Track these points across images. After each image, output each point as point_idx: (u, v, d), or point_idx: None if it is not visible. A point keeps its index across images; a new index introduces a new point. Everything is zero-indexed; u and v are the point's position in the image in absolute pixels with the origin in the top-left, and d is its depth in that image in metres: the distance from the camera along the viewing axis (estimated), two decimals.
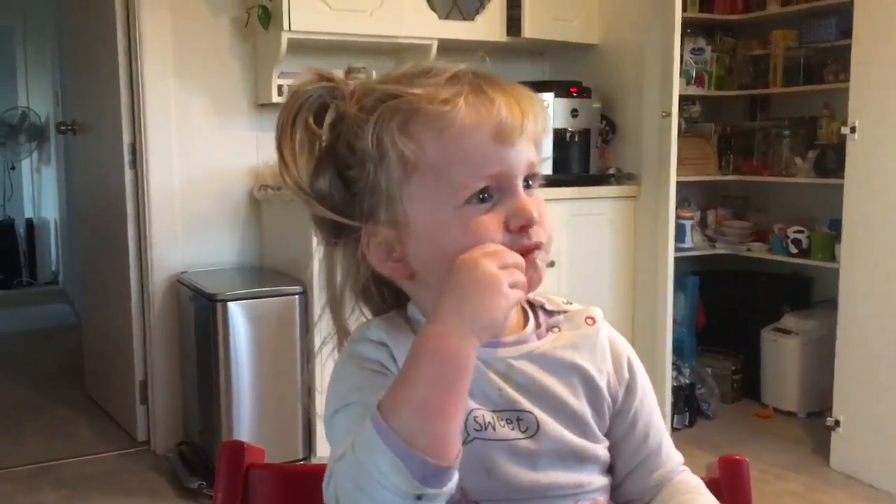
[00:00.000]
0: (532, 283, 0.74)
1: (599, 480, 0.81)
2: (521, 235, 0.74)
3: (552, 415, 0.79)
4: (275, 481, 0.92)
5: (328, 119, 0.78)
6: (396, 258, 0.77)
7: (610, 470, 0.84)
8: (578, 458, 0.79)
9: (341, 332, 0.84)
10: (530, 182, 0.77)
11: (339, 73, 0.81)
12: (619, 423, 0.84)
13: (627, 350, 0.86)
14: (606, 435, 0.83)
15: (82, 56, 3.65)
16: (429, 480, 0.62)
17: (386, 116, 0.74)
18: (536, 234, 0.75)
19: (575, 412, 0.80)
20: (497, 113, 0.74)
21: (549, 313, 0.84)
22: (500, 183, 0.74)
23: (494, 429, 0.77)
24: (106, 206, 3.38)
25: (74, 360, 4.07)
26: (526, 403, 0.78)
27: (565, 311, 0.85)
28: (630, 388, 0.84)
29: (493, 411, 0.78)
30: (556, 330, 0.83)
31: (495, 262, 0.69)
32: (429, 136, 0.74)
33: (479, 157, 0.74)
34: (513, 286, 0.68)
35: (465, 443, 0.75)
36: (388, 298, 0.84)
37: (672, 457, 0.86)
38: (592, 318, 0.84)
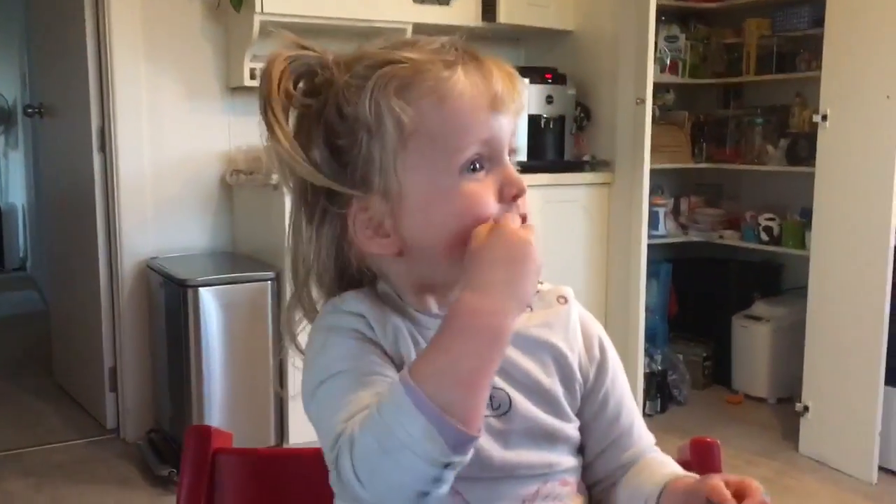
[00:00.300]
0: None
1: (570, 461, 0.81)
2: (511, 205, 0.75)
3: (524, 393, 0.79)
4: (242, 466, 0.90)
5: (305, 86, 0.76)
6: (384, 233, 0.75)
7: (580, 450, 0.83)
8: (549, 438, 0.79)
9: (305, 309, 0.82)
10: (511, 154, 0.77)
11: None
12: (590, 402, 0.83)
13: (598, 330, 0.86)
14: (578, 415, 0.82)
15: (50, 38, 3.58)
16: (458, 449, 0.62)
17: (382, 81, 0.72)
18: (523, 205, 0.76)
19: (547, 391, 0.80)
20: (495, 82, 0.74)
21: None
22: (491, 150, 0.74)
23: None
24: (74, 191, 3.32)
25: (42, 348, 4.01)
26: (499, 381, 0.78)
27: (537, 291, 0.84)
28: (601, 368, 0.84)
29: None
30: (528, 309, 0.81)
31: (533, 237, 0.70)
32: (427, 102, 0.72)
33: (475, 124, 0.73)
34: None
35: None
36: (361, 279, 0.81)
37: (643, 436, 0.86)
38: (564, 298, 0.84)
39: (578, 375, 0.82)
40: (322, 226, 0.78)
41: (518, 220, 0.73)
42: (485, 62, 0.76)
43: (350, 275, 0.80)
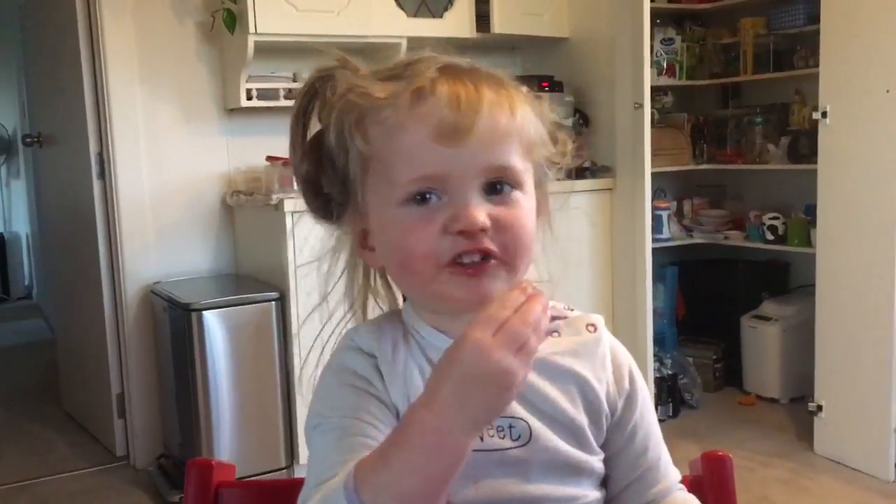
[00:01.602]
0: (481, 293, 0.69)
1: (593, 494, 0.78)
2: (460, 238, 0.69)
3: (547, 423, 0.75)
4: (244, 499, 0.89)
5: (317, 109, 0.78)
6: (370, 247, 0.78)
7: (604, 483, 0.80)
8: (572, 470, 0.76)
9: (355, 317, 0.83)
10: (499, 187, 0.71)
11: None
12: (617, 434, 0.80)
13: (629, 360, 0.82)
14: (603, 447, 0.79)
15: (46, 66, 3.59)
16: None
17: (345, 110, 0.74)
18: (485, 240, 0.70)
19: (571, 421, 0.77)
20: (437, 110, 0.70)
21: (550, 318, 0.80)
22: (444, 185, 0.70)
23: (483, 439, 0.74)
24: (76, 218, 3.32)
25: (50, 376, 4.01)
26: (520, 410, 0.75)
27: (565, 317, 0.81)
28: (630, 399, 0.81)
29: None
30: (555, 335, 0.78)
31: (512, 346, 0.59)
32: (376, 130, 0.73)
33: (415, 157, 0.70)
34: (525, 354, 0.60)
35: None
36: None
37: (670, 473, 0.82)
38: (594, 326, 0.81)
39: (605, 407, 0.79)
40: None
41: (522, 314, 0.62)
42: (437, 88, 0.70)
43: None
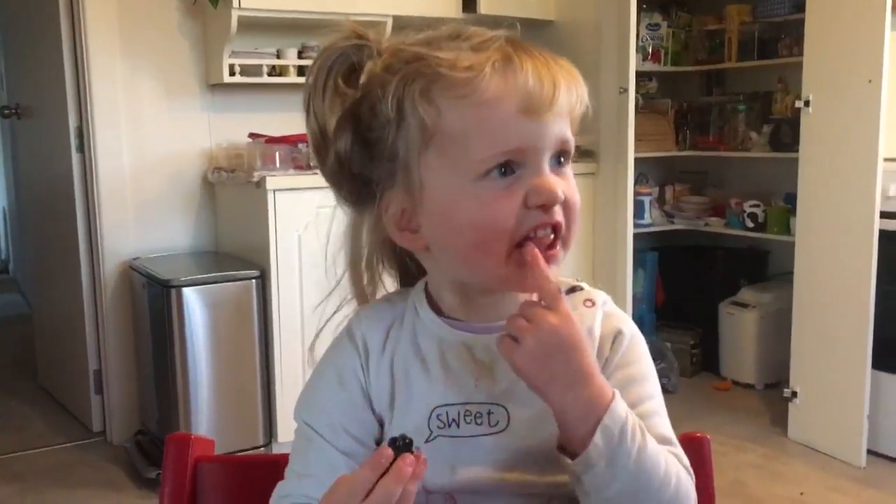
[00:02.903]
0: (549, 261, 0.71)
1: None
2: (536, 212, 0.70)
3: (526, 409, 0.74)
4: (223, 474, 0.89)
5: (361, 77, 0.74)
6: (413, 228, 0.75)
7: None
8: (553, 457, 0.72)
9: (358, 293, 0.82)
10: (562, 159, 0.73)
11: (372, 33, 0.77)
12: None
13: (619, 327, 0.78)
14: None
15: (25, 37, 3.53)
16: None
17: (408, 79, 0.70)
18: (558, 214, 0.71)
19: None
20: (524, 83, 0.69)
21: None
22: (523, 158, 0.70)
23: (459, 425, 0.74)
24: (54, 192, 3.28)
25: (26, 351, 3.97)
26: (501, 396, 0.75)
27: (570, 294, 0.79)
28: (608, 363, 0.76)
29: (464, 403, 0.75)
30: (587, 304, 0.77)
31: None
32: (449, 103, 0.69)
33: (500, 130, 0.69)
34: None
35: (427, 440, 0.74)
36: (411, 267, 0.83)
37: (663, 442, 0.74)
38: (591, 301, 0.79)
39: None
40: (361, 212, 0.79)
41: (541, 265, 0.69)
42: (523, 62, 0.70)
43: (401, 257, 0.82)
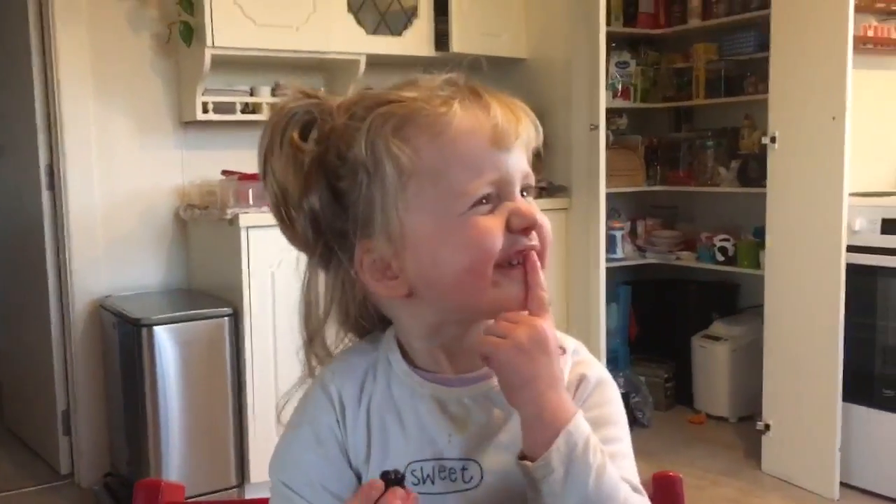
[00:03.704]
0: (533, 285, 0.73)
1: None
2: (520, 237, 0.72)
3: (501, 462, 0.74)
4: None
5: (315, 134, 0.75)
6: (392, 275, 0.74)
7: None
8: None
9: (318, 358, 0.81)
10: (524, 194, 0.75)
11: (322, 91, 0.78)
12: None
13: (587, 373, 0.78)
14: None
15: None
16: None
17: (379, 122, 0.71)
18: (535, 238, 0.73)
19: None
20: (493, 116, 0.72)
21: None
22: (500, 189, 0.72)
23: (433, 482, 0.74)
24: (23, 229, 3.25)
25: None
26: (474, 450, 0.75)
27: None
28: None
29: (438, 459, 0.75)
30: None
31: None
32: (425, 140, 0.71)
33: (478, 162, 0.71)
34: None
35: None
36: (378, 323, 0.81)
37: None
38: (563, 348, 0.77)
39: None
40: (332, 271, 0.78)
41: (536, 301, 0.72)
42: (483, 96, 0.73)
43: (369, 315, 0.80)
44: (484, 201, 0.72)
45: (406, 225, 0.72)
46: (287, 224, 0.76)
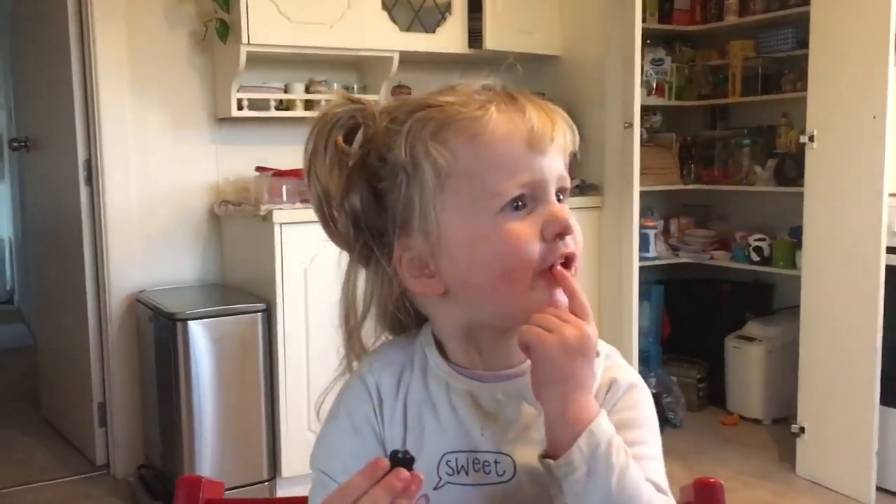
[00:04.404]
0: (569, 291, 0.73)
1: None
2: (556, 243, 0.73)
3: (535, 454, 0.74)
4: None
5: (359, 138, 0.78)
6: (429, 273, 0.76)
7: None
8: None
9: (356, 354, 0.83)
10: (560, 196, 0.76)
11: (367, 97, 0.81)
12: None
13: (619, 378, 0.79)
14: None
15: (35, 71, 3.57)
16: None
17: (418, 125, 0.74)
18: (570, 244, 0.74)
19: None
20: (529, 120, 0.73)
21: None
22: (534, 191, 0.74)
23: (468, 473, 0.75)
24: (61, 223, 3.30)
25: (30, 382, 3.97)
26: (507, 445, 0.76)
27: None
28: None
29: (472, 451, 0.76)
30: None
31: None
32: (461, 142, 0.73)
33: (512, 164, 0.73)
34: None
35: (436, 487, 0.75)
36: (415, 320, 0.83)
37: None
38: (597, 353, 0.77)
39: None
40: (371, 268, 0.80)
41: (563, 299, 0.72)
42: (519, 100, 0.75)
43: (406, 311, 0.82)
44: (518, 204, 0.73)
45: (442, 224, 0.74)
46: (329, 224, 0.79)
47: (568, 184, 0.77)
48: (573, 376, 0.69)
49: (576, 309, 0.72)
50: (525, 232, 0.72)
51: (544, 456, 0.70)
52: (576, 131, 0.77)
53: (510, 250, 0.72)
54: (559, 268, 0.73)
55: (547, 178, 0.74)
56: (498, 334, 0.78)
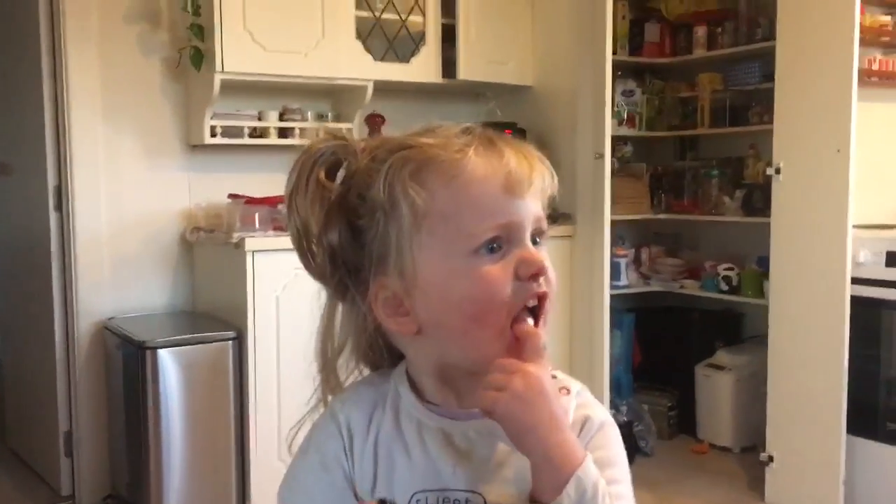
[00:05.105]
0: (536, 341, 0.74)
1: None
2: (528, 283, 0.74)
3: (509, 493, 0.75)
4: None
5: (340, 174, 0.79)
6: (404, 312, 0.76)
7: None
8: None
9: (331, 388, 0.83)
10: (538, 239, 0.77)
11: (349, 133, 0.82)
12: None
13: (589, 413, 0.79)
14: None
15: (6, 96, 3.54)
16: None
17: (397, 165, 0.75)
18: (543, 284, 0.75)
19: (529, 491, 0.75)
20: (506, 164, 0.74)
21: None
22: (510, 234, 0.74)
23: None
24: (30, 249, 3.26)
25: None
26: (479, 483, 0.76)
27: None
28: None
29: (442, 490, 0.76)
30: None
31: None
32: (440, 184, 0.74)
33: (489, 207, 0.74)
34: None
35: None
36: (388, 357, 0.84)
37: None
38: (567, 389, 0.80)
39: None
40: (347, 303, 0.81)
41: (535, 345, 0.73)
42: (498, 144, 0.76)
43: (381, 349, 0.83)
44: (493, 246, 0.73)
45: (418, 264, 0.75)
46: (307, 257, 0.79)
47: (545, 226, 0.77)
48: (539, 422, 0.70)
49: (525, 353, 0.73)
50: (498, 274, 0.73)
51: (532, 500, 0.70)
52: (555, 175, 0.79)
53: (482, 292, 0.73)
54: (527, 325, 0.74)
55: (523, 221, 0.75)
56: (470, 377, 0.78)
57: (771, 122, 3.05)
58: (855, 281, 2.76)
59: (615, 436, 0.80)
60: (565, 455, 0.70)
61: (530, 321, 0.75)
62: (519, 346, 0.73)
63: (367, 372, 0.85)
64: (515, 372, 0.71)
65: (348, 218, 0.78)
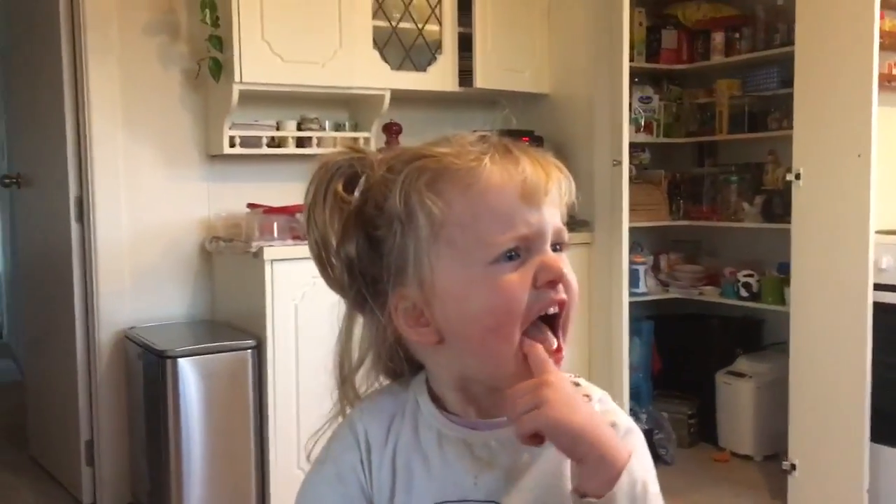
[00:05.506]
0: (557, 347, 0.74)
1: None
2: (546, 291, 0.73)
3: (528, 501, 0.75)
4: None
5: (360, 187, 0.79)
6: (424, 322, 0.76)
7: None
8: None
9: (349, 400, 0.83)
10: (558, 247, 0.76)
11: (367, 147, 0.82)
12: None
13: (618, 421, 0.78)
14: None
15: (28, 107, 3.59)
16: None
17: (414, 175, 0.75)
18: (562, 291, 0.75)
19: (563, 495, 0.75)
20: (522, 171, 0.74)
21: None
22: (529, 244, 0.74)
23: None
24: (52, 259, 3.29)
25: (17, 419, 3.92)
26: (500, 493, 0.75)
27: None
28: None
29: (462, 501, 0.76)
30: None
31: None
32: (456, 192, 0.73)
33: (507, 215, 0.73)
34: None
35: None
36: (409, 368, 0.84)
37: None
38: (589, 396, 0.79)
39: None
40: (367, 314, 0.80)
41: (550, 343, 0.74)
42: (514, 152, 0.75)
43: (401, 359, 0.82)
44: (512, 255, 0.73)
45: (437, 274, 0.74)
46: (326, 270, 0.79)
47: (566, 237, 0.77)
48: (586, 420, 0.70)
49: (534, 368, 0.72)
50: (516, 282, 0.73)
51: (581, 495, 0.70)
52: (572, 182, 0.78)
53: (501, 301, 0.72)
54: (533, 344, 0.73)
55: (543, 231, 0.74)
56: (490, 390, 0.77)
57: (790, 127, 3.03)
58: (877, 287, 2.73)
59: (641, 443, 0.79)
60: (615, 448, 0.70)
61: (545, 334, 0.74)
62: (528, 363, 0.73)
63: (386, 382, 0.85)
64: (537, 387, 0.70)
65: (366, 229, 0.78)
